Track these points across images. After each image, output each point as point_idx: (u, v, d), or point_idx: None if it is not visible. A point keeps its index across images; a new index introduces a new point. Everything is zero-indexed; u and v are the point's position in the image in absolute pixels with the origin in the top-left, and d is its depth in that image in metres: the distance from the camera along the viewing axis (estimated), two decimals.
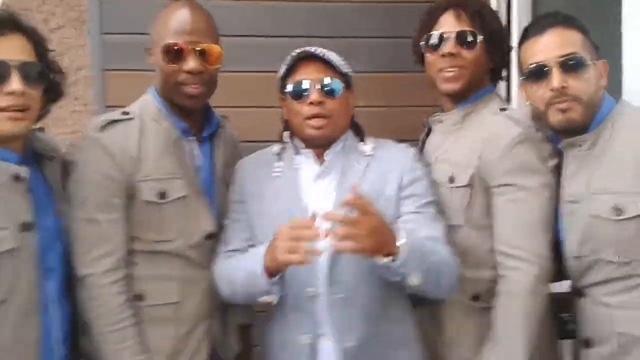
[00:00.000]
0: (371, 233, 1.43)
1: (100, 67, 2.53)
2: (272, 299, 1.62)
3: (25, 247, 1.49)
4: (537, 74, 1.63)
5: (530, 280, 1.61)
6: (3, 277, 1.46)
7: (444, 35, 1.77)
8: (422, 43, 1.83)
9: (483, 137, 1.72)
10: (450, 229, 1.69)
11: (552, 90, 1.60)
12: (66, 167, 1.68)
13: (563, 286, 1.86)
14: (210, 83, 1.76)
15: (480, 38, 1.76)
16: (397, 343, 1.69)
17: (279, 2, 2.62)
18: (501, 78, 1.94)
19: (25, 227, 1.50)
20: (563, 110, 1.60)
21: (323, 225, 1.49)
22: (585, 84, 1.60)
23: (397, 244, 1.48)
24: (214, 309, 1.81)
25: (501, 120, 1.74)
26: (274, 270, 1.56)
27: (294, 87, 1.68)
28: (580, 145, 1.63)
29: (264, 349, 1.79)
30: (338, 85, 1.68)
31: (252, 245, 1.73)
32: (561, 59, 1.59)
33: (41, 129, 1.73)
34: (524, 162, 1.66)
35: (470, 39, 1.76)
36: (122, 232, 1.67)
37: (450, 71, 1.77)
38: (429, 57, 1.82)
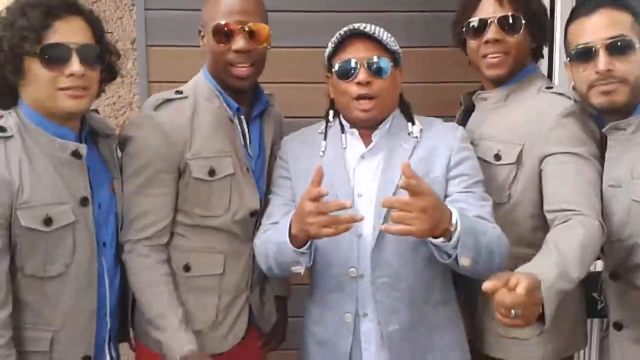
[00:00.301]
0: (423, 214, 1.38)
1: (144, 43, 2.57)
2: (300, 269, 1.61)
3: (83, 221, 1.55)
4: (584, 55, 1.61)
5: (593, 223, 1.54)
6: (63, 250, 1.52)
7: (487, 21, 1.75)
8: (463, 28, 1.82)
9: (531, 114, 1.72)
10: (494, 206, 1.67)
11: (597, 72, 1.58)
12: (121, 144, 1.74)
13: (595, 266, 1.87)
14: (258, 62, 1.77)
15: (523, 22, 1.74)
16: (441, 326, 1.69)
17: None
18: (542, 55, 1.93)
19: (83, 202, 1.56)
20: (607, 93, 1.59)
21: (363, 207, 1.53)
22: (633, 66, 1.58)
23: (452, 222, 1.44)
24: (254, 282, 1.87)
25: (549, 96, 1.74)
26: (303, 240, 1.55)
27: (341, 66, 1.64)
28: (624, 129, 1.62)
29: (304, 326, 1.80)
30: (386, 64, 1.63)
31: None
32: (609, 41, 1.57)
33: (95, 111, 1.78)
34: (575, 132, 1.66)
35: (513, 23, 1.74)
36: (169, 205, 1.72)
37: (495, 57, 1.77)
38: (472, 42, 1.81)
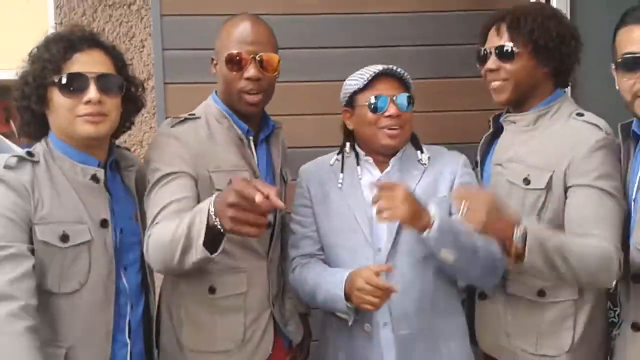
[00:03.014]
0: (403, 203, 1.60)
1: (162, 80, 2.70)
2: (349, 318, 1.77)
3: (101, 242, 1.59)
4: (631, 64, 1.60)
5: (609, 247, 1.58)
6: (79, 268, 1.56)
7: (488, 51, 1.86)
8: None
9: (563, 142, 1.74)
10: None
11: None
12: (144, 165, 1.78)
13: None
14: (268, 90, 1.86)
15: (518, 49, 1.79)
16: (447, 335, 1.83)
17: (324, 15, 2.74)
18: (568, 81, 1.92)
19: (103, 223, 1.61)
20: None
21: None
22: None
23: (430, 217, 1.65)
24: (274, 298, 1.92)
25: (581, 125, 1.75)
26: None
27: (373, 101, 1.82)
28: None
29: (324, 336, 1.94)
30: (410, 100, 1.84)
31: (320, 249, 1.91)
32: None
33: (127, 149, 1.87)
34: (603, 167, 1.68)
35: (507, 53, 1.81)
36: (191, 199, 1.70)
37: (495, 84, 1.86)
38: (481, 71, 1.91)
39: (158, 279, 1.87)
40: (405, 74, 1.85)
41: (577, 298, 1.76)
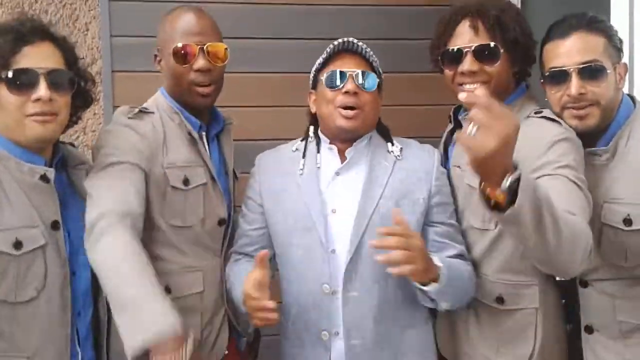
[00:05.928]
0: (421, 253, 1.48)
1: (110, 68, 2.63)
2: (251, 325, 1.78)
3: (54, 244, 1.52)
4: (557, 78, 1.64)
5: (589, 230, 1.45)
6: (35, 274, 1.49)
7: (463, 51, 1.69)
8: (439, 56, 1.76)
9: (524, 139, 1.49)
10: (480, 232, 1.70)
11: (569, 96, 1.62)
12: (94, 155, 1.69)
13: None
14: (218, 80, 1.82)
15: (501, 50, 1.67)
16: (408, 349, 1.70)
17: (276, 6, 2.71)
18: (528, 74, 1.84)
19: (54, 225, 1.54)
20: (580, 117, 1.63)
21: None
22: (603, 90, 1.61)
23: (437, 272, 1.55)
24: (227, 295, 1.87)
25: (538, 122, 1.67)
26: None
27: (330, 76, 1.70)
28: (600, 156, 1.65)
29: (282, 347, 1.80)
30: (373, 79, 1.70)
31: (257, 250, 1.72)
32: (581, 66, 1.60)
33: (72, 144, 1.79)
34: (567, 157, 1.57)
35: (490, 53, 1.67)
36: (140, 198, 1.61)
37: (471, 88, 1.68)
38: (448, 72, 1.75)
39: None
40: (370, 52, 1.72)
41: (537, 306, 1.70)
